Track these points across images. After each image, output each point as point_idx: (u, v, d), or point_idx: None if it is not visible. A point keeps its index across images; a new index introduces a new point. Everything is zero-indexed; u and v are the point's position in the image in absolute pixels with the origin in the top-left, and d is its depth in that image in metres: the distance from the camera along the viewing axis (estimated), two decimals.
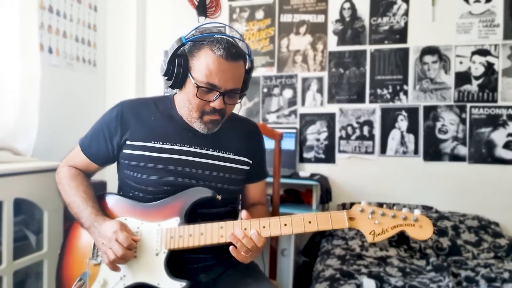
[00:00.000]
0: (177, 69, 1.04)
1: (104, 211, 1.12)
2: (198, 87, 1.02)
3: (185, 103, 1.08)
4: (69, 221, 1.20)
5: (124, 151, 1.13)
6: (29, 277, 1.69)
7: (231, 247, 0.99)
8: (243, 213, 1.02)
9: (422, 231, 0.88)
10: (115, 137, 1.14)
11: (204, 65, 1.01)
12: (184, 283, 1.00)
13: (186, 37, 1.05)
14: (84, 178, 1.19)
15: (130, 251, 1.01)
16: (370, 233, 0.90)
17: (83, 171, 1.21)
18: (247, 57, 1.10)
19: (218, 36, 1.03)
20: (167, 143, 1.12)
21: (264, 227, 0.99)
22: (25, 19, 1.85)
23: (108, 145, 1.15)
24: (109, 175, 1.31)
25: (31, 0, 1.88)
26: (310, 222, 0.95)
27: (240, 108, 1.23)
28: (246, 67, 1.11)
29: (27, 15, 1.86)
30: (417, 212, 0.89)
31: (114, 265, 1.02)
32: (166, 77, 1.07)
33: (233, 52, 1.02)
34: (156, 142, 1.11)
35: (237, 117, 1.26)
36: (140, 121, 1.14)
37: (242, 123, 1.27)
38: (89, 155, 1.18)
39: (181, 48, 1.05)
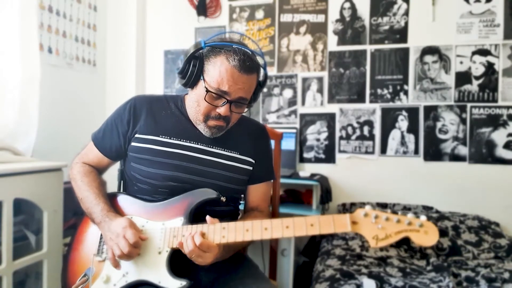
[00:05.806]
0: (191, 69, 1.07)
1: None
2: (207, 91, 1.05)
3: (194, 104, 1.12)
4: (75, 217, 1.21)
5: (133, 143, 1.16)
6: (29, 277, 1.69)
7: (178, 243, 1.00)
8: (207, 219, 1.01)
9: (427, 238, 0.85)
10: (127, 129, 1.16)
11: (218, 71, 1.04)
12: (184, 282, 1.01)
13: (206, 42, 1.08)
14: (97, 175, 1.22)
15: (136, 249, 1.02)
16: (373, 238, 0.88)
17: (96, 168, 1.23)
18: (262, 70, 1.13)
19: (236, 47, 1.06)
20: (174, 138, 1.14)
21: (266, 228, 0.98)
22: (25, 19, 1.85)
23: (120, 138, 1.17)
24: (109, 176, 1.32)
25: (31, 0, 1.88)
26: (312, 225, 0.94)
27: (250, 116, 1.26)
28: (260, 79, 1.14)
29: (27, 15, 1.86)
30: (423, 217, 0.86)
31: (116, 261, 1.04)
32: (180, 75, 1.10)
33: (247, 65, 1.04)
34: (163, 137, 1.14)
35: (246, 119, 1.28)
36: (151, 115, 1.17)
37: (250, 124, 1.29)
38: (102, 149, 1.20)
39: (200, 51, 1.08)
